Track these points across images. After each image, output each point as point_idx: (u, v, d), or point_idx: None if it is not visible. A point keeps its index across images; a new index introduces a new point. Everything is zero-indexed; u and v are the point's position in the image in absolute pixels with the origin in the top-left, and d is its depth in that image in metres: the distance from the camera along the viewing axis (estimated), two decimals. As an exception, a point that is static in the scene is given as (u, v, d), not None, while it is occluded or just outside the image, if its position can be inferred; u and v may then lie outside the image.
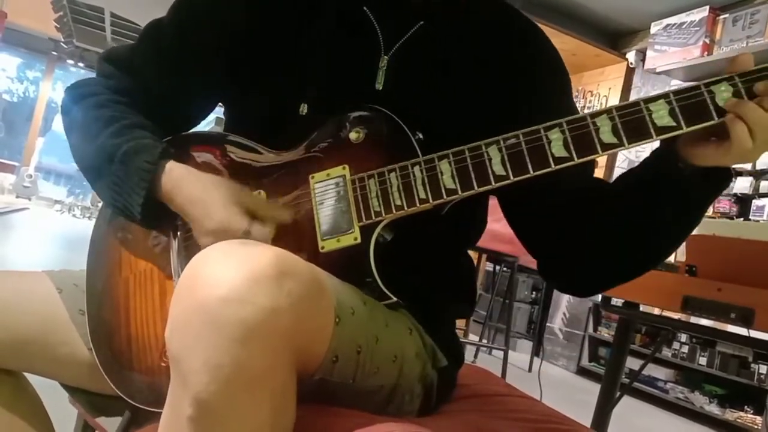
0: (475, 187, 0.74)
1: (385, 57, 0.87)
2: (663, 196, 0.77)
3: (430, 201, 0.75)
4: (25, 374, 0.88)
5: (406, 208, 0.76)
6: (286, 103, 0.86)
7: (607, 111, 0.72)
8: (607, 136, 0.71)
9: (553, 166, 0.72)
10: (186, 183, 0.77)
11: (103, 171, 0.81)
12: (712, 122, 0.70)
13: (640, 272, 0.86)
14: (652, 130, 0.70)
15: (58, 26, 7.97)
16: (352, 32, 0.88)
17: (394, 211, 0.76)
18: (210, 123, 3.41)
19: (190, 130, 0.95)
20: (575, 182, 0.84)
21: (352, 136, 0.80)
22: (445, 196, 0.75)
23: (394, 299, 0.76)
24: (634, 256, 0.84)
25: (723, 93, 0.70)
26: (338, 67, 0.88)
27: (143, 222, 0.80)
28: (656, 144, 0.75)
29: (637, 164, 0.82)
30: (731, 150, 0.70)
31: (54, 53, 10.07)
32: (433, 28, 0.88)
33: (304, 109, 0.85)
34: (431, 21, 0.88)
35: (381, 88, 0.86)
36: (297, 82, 0.87)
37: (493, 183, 0.74)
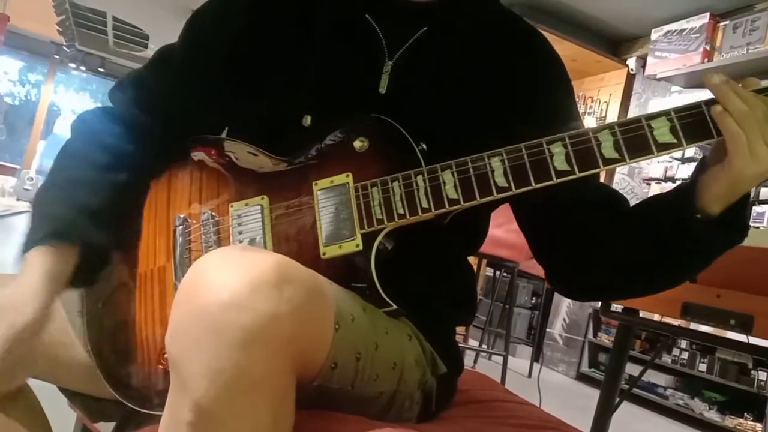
0: (478, 198, 0.75)
1: (390, 62, 0.88)
2: (676, 240, 0.77)
3: (433, 210, 0.76)
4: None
5: (408, 217, 0.76)
6: (290, 114, 0.87)
7: (609, 126, 0.73)
8: (608, 151, 0.72)
9: (554, 179, 0.73)
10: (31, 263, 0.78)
11: (47, 202, 0.84)
12: (711, 139, 0.71)
13: (644, 294, 0.87)
14: (653, 147, 0.72)
15: (61, 30, 7.99)
16: (354, 40, 0.89)
17: (396, 220, 0.77)
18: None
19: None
20: (583, 191, 0.84)
21: (357, 144, 0.81)
22: (447, 206, 0.76)
23: (394, 306, 0.77)
24: (638, 280, 0.85)
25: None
26: (341, 73, 0.89)
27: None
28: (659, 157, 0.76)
29: (663, 192, 0.83)
30: (731, 155, 0.70)
31: (56, 57, 10.07)
32: (436, 34, 0.89)
33: (307, 120, 0.86)
34: (434, 27, 0.88)
35: (384, 91, 0.87)
36: (300, 92, 0.87)
37: (495, 194, 0.75)
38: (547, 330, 5.35)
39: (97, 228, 0.82)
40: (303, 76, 0.88)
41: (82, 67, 9.27)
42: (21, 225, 7.48)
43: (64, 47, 9.02)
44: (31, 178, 10.22)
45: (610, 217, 0.85)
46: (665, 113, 0.72)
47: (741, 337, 1.68)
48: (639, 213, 0.84)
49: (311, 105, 0.86)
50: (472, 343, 4.86)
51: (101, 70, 9.25)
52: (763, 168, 0.69)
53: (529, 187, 0.74)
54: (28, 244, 0.78)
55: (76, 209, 0.81)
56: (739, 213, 0.74)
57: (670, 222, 0.76)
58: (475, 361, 4.55)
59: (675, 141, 0.71)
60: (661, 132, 0.72)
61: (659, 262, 0.80)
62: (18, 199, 9.96)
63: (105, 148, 0.88)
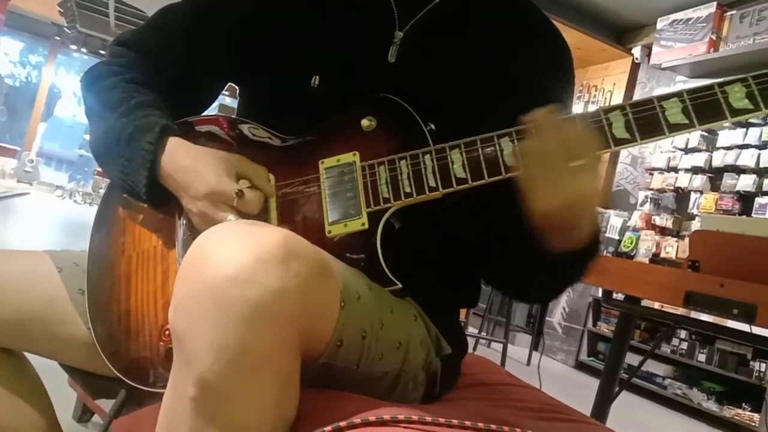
0: (486, 177, 0.74)
1: (400, 32, 0.87)
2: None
3: (440, 189, 0.75)
4: (26, 355, 0.87)
5: (415, 196, 0.76)
6: (298, 77, 0.86)
7: (621, 107, 0.72)
8: (619, 132, 0.72)
9: None
10: (179, 153, 0.78)
11: (111, 152, 0.82)
12: (723, 120, 0.70)
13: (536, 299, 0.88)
14: (665, 127, 0.71)
15: (62, 11, 7.94)
16: (366, 8, 0.89)
17: (403, 198, 0.76)
18: (212, 110, 3.40)
19: (201, 114, 0.95)
20: None
21: (364, 123, 0.80)
22: (454, 185, 0.75)
23: (399, 285, 0.76)
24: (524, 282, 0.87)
25: (736, 93, 0.70)
26: (351, 39, 0.88)
27: (149, 201, 0.80)
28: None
29: None
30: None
31: (57, 38, 10.03)
32: (447, 9, 0.88)
33: (315, 81, 0.86)
34: (446, 0, 0.88)
35: (393, 61, 0.87)
36: (308, 56, 0.87)
37: (504, 174, 0.74)
38: (547, 318, 5.36)
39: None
40: (315, 44, 0.87)
41: (84, 49, 9.21)
42: (21, 206, 7.50)
43: (66, 29, 8.96)
44: (32, 160, 10.22)
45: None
46: (677, 94, 0.71)
47: (743, 327, 1.68)
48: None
49: (321, 71, 0.86)
50: (472, 330, 4.87)
51: (102, 52, 9.20)
52: (545, 205, 0.68)
53: None
54: (145, 158, 0.77)
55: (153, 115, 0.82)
56: (577, 259, 0.75)
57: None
58: (474, 348, 4.56)
59: (687, 122, 0.71)
60: (673, 112, 0.71)
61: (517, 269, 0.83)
62: (18, 181, 9.98)
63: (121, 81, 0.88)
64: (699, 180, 4.46)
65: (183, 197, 0.77)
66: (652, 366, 4.40)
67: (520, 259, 0.80)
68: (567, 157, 0.67)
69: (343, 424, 0.59)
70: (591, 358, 4.91)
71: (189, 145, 0.79)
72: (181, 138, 0.80)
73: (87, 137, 0.98)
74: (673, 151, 4.68)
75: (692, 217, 4.46)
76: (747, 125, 4.18)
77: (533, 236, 0.74)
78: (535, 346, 4.92)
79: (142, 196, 0.79)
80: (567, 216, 0.69)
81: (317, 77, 0.85)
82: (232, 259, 0.52)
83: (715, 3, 4.33)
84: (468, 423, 0.63)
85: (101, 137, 0.84)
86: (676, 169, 4.65)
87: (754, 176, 4.14)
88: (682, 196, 4.62)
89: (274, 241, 0.53)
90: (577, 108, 5.28)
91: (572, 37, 4.84)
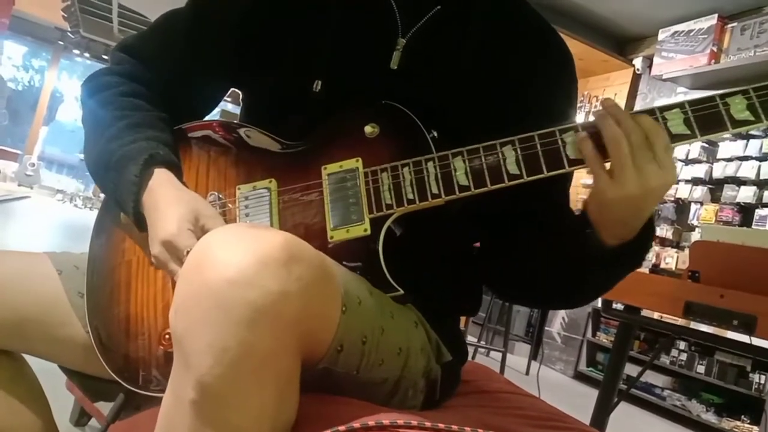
0: (489, 185, 0.75)
1: (402, 39, 0.87)
2: (576, 254, 0.78)
3: (443, 196, 0.75)
4: (25, 357, 0.87)
5: (418, 203, 0.76)
6: (299, 80, 0.86)
7: None
8: None
9: (567, 167, 0.73)
10: (160, 191, 0.76)
11: (101, 176, 0.82)
12: (725, 131, 0.71)
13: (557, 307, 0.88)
14: (667, 137, 0.71)
15: (65, 16, 7.97)
16: (369, 13, 0.89)
17: (405, 205, 0.76)
18: (214, 116, 3.41)
19: (204, 118, 0.94)
20: (537, 202, 0.84)
21: (367, 130, 0.80)
22: (457, 193, 0.75)
23: (401, 292, 0.76)
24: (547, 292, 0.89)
25: (738, 105, 0.71)
26: (354, 45, 0.88)
27: (138, 227, 0.78)
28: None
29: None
30: (594, 177, 0.71)
31: (60, 43, 10.07)
32: (450, 16, 0.88)
33: (318, 85, 0.85)
34: (448, 8, 0.88)
35: (396, 67, 0.87)
36: (310, 60, 0.87)
37: (506, 182, 0.74)
38: (546, 328, 5.35)
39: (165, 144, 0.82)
40: (315, 45, 0.87)
41: (86, 54, 9.24)
42: (22, 210, 7.49)
43: (69, 33, 9.00)
44: (33, 164, 10.24)
45: (545, 231, 0.85)
46: (679, 105, 0.72)
47: (743, 338, 1.68)
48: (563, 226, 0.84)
49: (323, 74, 0.86)
50: (471, 339, 4.86)
51: (105, 57, 9.22)
52: (624, 192, 0.69)
53: (541, 175, 0.73)
54: (130, 190, 0.76)
55: (143, 140, 0.80)
56: (626, 249, 0.75)
57: (574, 235, 0.78)
58: (473, 357, 4.55)
59: (689, 132, 0.71)
60: (675, 123, 0.72)
61: (562, 275, 0.82)
62: (19, 185, 9.98)
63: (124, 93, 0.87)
64: (699, 191, 4.46)
65: (150, 233, 0.76)
66: (651, 377, 4.39)
67: (566, 260, 0.80)
68: (649, 146, 0.69)
69: (342, 428, 0.59)
70: (590, 369, 4.90)
71: (171, 185, 0.77)
72: (167, 169, 0.78)
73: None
74: (674, 162, 4.68)
75: (692, 228, 4.46)
76: (747, 137, 4.18)
77: (578, 234, 0.76)
78: (534, 356, 4.91)
79: (132, 220, 0.78)
80: (641, 205, 0.71)
81: (319, 82, 0.85)
82: (233, 262, 0.52)
83: (716, 15, 4.35)
84: (467, 429, 0.63)
85: (93, 158, 0.84)
86: (676, 180, 4.65)
87: (754, 188, 4.14)
88: (682, 207, 4.63)
89: (276, 243, 0.53)
90: (579, 118, 5.28)
91: (574, 47, 4.81)
